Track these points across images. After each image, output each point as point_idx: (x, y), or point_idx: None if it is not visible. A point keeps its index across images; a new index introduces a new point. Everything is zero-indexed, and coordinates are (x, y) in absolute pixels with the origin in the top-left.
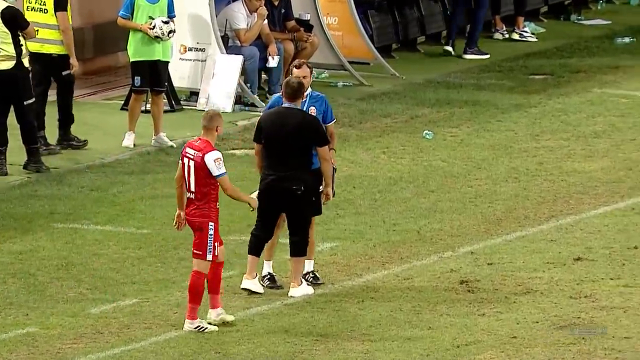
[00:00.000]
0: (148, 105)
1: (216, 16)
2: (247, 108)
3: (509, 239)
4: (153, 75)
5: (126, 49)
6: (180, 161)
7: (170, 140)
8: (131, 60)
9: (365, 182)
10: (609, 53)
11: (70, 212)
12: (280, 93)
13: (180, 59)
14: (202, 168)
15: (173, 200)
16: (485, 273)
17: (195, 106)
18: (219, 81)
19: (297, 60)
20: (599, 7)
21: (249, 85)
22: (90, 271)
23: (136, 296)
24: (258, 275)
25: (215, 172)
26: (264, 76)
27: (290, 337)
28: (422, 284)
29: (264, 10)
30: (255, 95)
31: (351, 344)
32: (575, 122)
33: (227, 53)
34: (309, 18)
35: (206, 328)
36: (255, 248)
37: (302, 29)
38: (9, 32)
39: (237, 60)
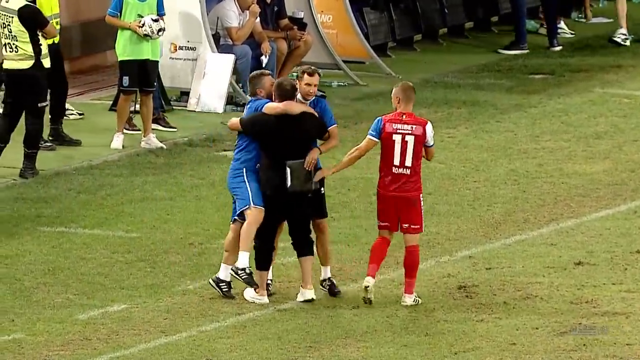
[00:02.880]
0: (137, 106)
1: (207, 14)
2: (239, 108)
3: (508, 243)
4: (142, 75)
5: (114, 48)
6: (378, 140)
7: (160, 142)
8: (119, 59)
9: (360, 184)
10: (611, 52)
11: (57, 215)
12: (256, 96)
13: (170, 58)
14: (422, 141)
15: (163, 203)
16: (483, 278)
17: (186, 106)
18: (210, 81)
19: (309, 67)
20: (600, 5)
21: (241, 84)
22: (78, 276)
23: (125, 302)
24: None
25: (430, 142)
26: None
27: (284, 343)
28: (419, 289)
29: (256, 8)
30: (247, 96)
31: (346, 351)
32: (577, 123)
33: (219, 52)
34: (302, 16)
35: (420, 301)
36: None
37: (295, 27)
38: (26, 31)
39: (228, 60)
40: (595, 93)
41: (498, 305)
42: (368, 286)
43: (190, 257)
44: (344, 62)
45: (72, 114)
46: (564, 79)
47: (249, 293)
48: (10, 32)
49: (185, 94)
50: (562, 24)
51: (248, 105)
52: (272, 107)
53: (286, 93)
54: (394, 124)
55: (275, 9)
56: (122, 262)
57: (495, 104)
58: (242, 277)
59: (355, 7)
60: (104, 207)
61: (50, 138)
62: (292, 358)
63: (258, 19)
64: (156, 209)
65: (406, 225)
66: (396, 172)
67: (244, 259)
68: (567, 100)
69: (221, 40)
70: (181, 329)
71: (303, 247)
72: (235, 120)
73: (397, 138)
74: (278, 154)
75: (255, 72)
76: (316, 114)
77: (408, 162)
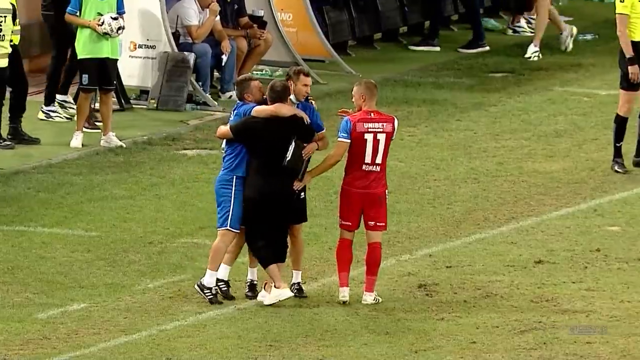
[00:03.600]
0: (97, 105)
1: (167, 12)
2: (198, 107)
3: (468, 241)
4: (101, 73)
5: (74, 46)
6: (349, 140)
7: (120, 140)
8: (79, 57)
9: (320, 183)
10: (571, 51)
11: (17, 214)
12: (244, 101)
13: (130, 56)
14: (391, 137)
15: (122, 201)
16: (444, 276)
17: (146, 105)
18: (170, 79)
19: (301, 67)
20: (560, 3)
21: (200, 83)
22: (37, 275)
23: (85, 301)
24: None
25: (393, 136)
26: (216, 74)
27: (243, 342)
28: (379, 287)
29: (216, 6)
30: (207, 94)
31: (306, 350)
32: (536, 122)
33: (179, 50)
34: (262, 14)
35: (380, 300)
36: (275, 256)
37: (255, 25)
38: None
39: (188, 58)
40: (555, 92)
41: (458, 304)
42: (346, 301)
43: (150, 255)
44: (304, 60)
45: (58, 117)
46: (524, 78)
47: (270, 296)
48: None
49: (144, 93)
50: (522, 22)
51: (235, 111)
52: (261, 109)
53: (279, 94)
54: (364, 123)
55: (235, 7)
56: (82, 261)
57: (455, 102)
58: (207, 295)
59: (315, 6)
60: (64, 206)
61: (9, 137)
62: (252, 357)
63: (218, 17)
64: (116, 207)
65: (372, 222)
66: (366, 170)
67: (210, 278)
68: (527, 99)
69: (181, 39)
70: (141, 328)
71: (282, 253)
72: (224, 128)
73: (368, 137)
74: (266, 157)
75: (242, 77)
76: (306, 117)
77: (379, 160)
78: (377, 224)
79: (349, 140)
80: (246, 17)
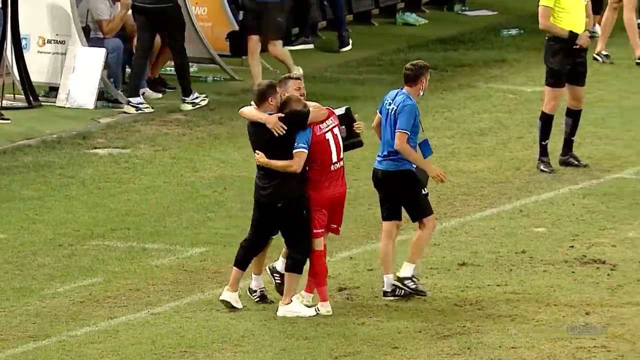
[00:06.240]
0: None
1: (77, 6)
2: (110, 104)
3: None
4: None
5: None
6: (317, 147)
7: (28, 139)
8: None
9: (237, 183)
10: (495, 46)
11: None
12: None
13: (38, 52)
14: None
15: (31, 202)
16: (365, 279)
17: (55, 102)
18: (80, 75)
19: (291, 74)
20: None
21: (112, 80)
22: None
23: None
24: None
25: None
26: (128, 70)
27: (157, 348)
28: (298, 290)
29: (127, 0)
30: (119, 91)
31: (222, 355)
32: (460, 119)
33: (89, 45)
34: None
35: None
36: (243, 261)
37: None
38: None
39: (99, 54)
40: (478, 88)
41: (380, 308)
42: (330, 314)
43: (60, 258)
44: (220, 56)
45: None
46: (446, 74)
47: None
48: None
49: (54, 89)
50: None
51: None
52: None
53: (260, 93)
54: (319, 125)
55: None
56: None
57: (376, 99)
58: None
59: (230, 0)
60: None
61: None
62: None
63: (130, 11)
64: (24, 209)
65: (334, 225)
66: (334, 169)
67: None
68: (450, 96)
69: (91, 34)
70: (50, 334)
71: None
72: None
73: (329, 136)
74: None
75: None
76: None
77: (341, 154)
78: (338, 227)
79: (305, 152)
80: None
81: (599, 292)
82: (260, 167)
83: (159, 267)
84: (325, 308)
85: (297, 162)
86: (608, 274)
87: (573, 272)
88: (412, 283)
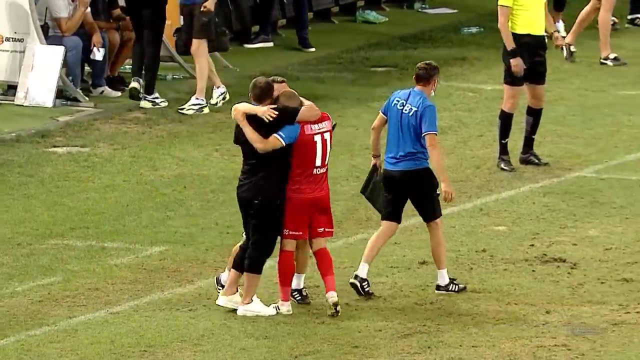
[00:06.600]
0: None
1: (35, 4)
2: (69, 103)
3: (350, 241)
4: None
5: None
6: (302, 146)
7: None
8: None
9: (196, 181)
10: (455, 44)
11: None
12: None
13: None
14: (332, 133)
15: None
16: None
17: (13, 101)
18: (38, 74)
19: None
20: None
21: (71, 78)
22: None
23: None
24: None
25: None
26: (87, 68)
27: (116, 348)
28: (258, 290)
29: None
30: (78, 89)
31: (182, 355)
32: None
33: (48, 43)
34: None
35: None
36: (241, 262)
37: (128, 17)
38: None
39: (58, 52)
40: (438, 86)
41: (340, 307)
42: (290, 313)
43: (19, 258)
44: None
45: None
46: (407, 72)
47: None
48: None
49: (12, 88)
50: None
51: None
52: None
53: (262, 91)
54: (311, 125)
55: None
56: None
57: (336, 97)
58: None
59: None
60: None
61: None
62: None
63: (89, 9)
64: None
65: (321, 229)
66: (317, 173)
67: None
68: None
69: (50, 32)
70: (9, 334)
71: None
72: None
73: (317, 138)
74: None
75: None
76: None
77: (326, 160)
78: (326, 229)
79: (284, 143)
80: (118, 9)
81: (559, 291)
82: (245, 162)
83: (118, 266)
84: (285, 307)
85: (265, 143)
86: (568, 273)
87: (533, 270)
88: (454, 285)
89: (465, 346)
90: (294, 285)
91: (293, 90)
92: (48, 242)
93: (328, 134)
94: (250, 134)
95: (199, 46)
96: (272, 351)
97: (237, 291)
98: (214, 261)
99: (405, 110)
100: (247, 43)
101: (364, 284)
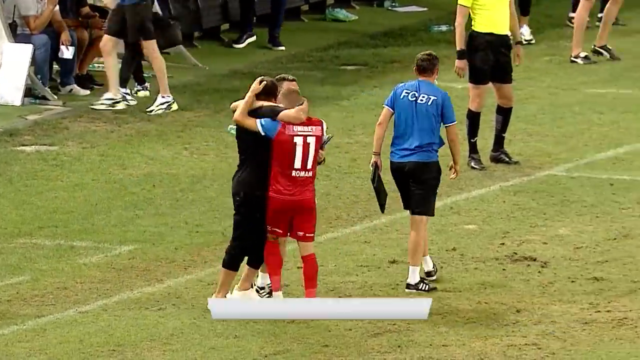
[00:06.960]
0: None
1: (3, 1)
2: (37, 101)
3: (320, 240)
4: None
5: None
6: (263, 133)
7: None
8: None
9: (165, 180)
10: (425, 42)
11: None
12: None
13: None
14: (321, 141)
15: None
16: (294, 277)
17: None
18: (6, 72)
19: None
20: None
21: (39, 76)
22: None
23: None
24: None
25: (325, 138)
26: (55, 67)
27: (85, 347)
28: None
29: None
30: (46, 88)
31: (151, 354)
32: None
33: (16, 42)
34: (104, 4)
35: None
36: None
37: (97, 15)
38: None
39: (26, 50)
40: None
41: None
42: None
43: None
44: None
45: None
46: (377, 70)
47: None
48: None
49: None
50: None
51: None
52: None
53: (267, 89)
54: (293, 127)
55: None
56: None
57: (306, 96)
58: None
59: None
60: None
61: None
62: None
63: (57, 7)
64: None
65: (301, 233)
66: (296, 176)
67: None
68: (380, 93)
69: (18, 30)
70: None
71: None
72: None
73: (298, 140)
74: None
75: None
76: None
77: (309, 165)
78: (306, 234)
79: (260, 129)
80: (87, 6)
81: (529, 290)
82: (238, 158)
83: (87, 265)
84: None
85: (244, 117)
86: (539, 271)
87: (504, 269)
88: (424, 285)
89: (436, 345)
90: (258, 282)
91: (295, 89)
92: (16, 241)
93: (313, 138)
94: (241, 106)
95: (148, 47)
96: (242, 350)
97: (251, 286)
98: (183, 260)
99: (422, 100)
100: (236, 43)
101: (421, 285)
